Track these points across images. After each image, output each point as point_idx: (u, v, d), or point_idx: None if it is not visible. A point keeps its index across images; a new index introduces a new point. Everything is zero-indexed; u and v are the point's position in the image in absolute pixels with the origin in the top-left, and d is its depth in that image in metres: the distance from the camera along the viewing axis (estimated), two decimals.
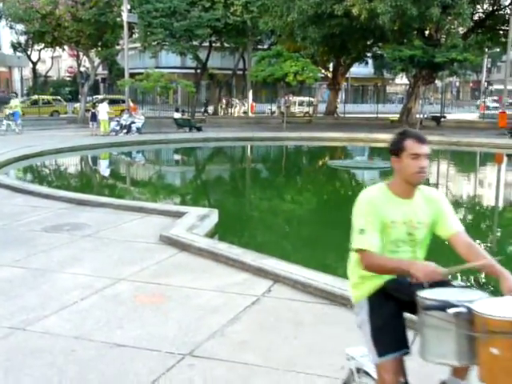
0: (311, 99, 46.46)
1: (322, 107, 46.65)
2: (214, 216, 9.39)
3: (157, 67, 41.67)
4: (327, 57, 40.74)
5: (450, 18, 30.41)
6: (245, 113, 44.93)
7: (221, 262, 7.00)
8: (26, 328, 5.08)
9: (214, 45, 40.43)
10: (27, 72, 65.28)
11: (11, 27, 42.09)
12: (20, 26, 40.22)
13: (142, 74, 33.86)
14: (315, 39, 32.63)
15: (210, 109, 44.38)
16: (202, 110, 43.62)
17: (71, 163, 22.13)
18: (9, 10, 35.53)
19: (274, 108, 46.66)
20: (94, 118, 28.99)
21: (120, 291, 6.03)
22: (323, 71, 40.91)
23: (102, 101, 31.55)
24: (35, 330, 5.05)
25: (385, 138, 27.58)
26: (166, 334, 4.98)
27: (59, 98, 47.28)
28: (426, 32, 33.28)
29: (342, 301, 5.53)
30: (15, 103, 29.25)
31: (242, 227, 11.46)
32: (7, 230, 8.70)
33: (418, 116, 35.33)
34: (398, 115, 37.09)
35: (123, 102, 35.40)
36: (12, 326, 5.11)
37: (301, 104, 45.88)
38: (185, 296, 5.92)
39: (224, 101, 45.46)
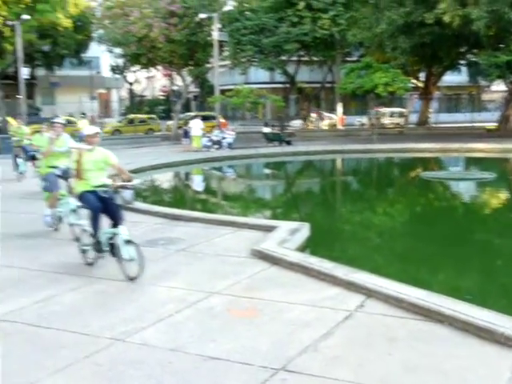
0: (402, 110, 45.58)
1: (413, 118, 45.64)
2: (304, 230, 9.39)
3: (246, 83, 42.41)
4: (418, 66, 39.93)
5: None
6: (334, 125, 44.73)
7: (312, 276, 6.99)
8: (126, 339, 5.29)
9: (302, 59, 40.67)
10: (124, 92, 68.34)
11: (110, 51, 44.24)
12: (118, 50, 42.17)
13: (231, 90, 34.58)
14: (405, 49, 32.09)
15: (297, 123, 44.51)
16: (289, 123, 43.84)
17: (165, 179, 22.85)
18: (108, 36, 37.47)
19: (364, 120, 46.15)
20: (186, 134, 29.80)
21: (213, 305, 6.15)
22: (414, 81, 40.08)
23: (194, 117, 32.37)
24: (134, 341, 5.25)
25: (481, 147, 26.64)
26: (259, 348, 5.03)
27: (153, 116, 49.11)
28: None
29: (438, 317, 5.37)
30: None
31: (333, 241, 11.37)
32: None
33: None
34: (496, 124, 35.64)
35: (214, 118, 36.26)
36: (113, 337, 5.34)
37: (391, 115, 45.12)
38: (277, 310, 5.95)
39: (313, 114, 45.49)
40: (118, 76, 58.46)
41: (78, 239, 8.01)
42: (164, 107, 61.92)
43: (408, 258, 9.81)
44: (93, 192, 7.35)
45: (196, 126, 29.54)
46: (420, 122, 42.83)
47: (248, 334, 5.38)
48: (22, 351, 5.11)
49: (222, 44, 36.12)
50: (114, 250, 7.28)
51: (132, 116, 46.79)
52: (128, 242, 7.01)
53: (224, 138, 29.34)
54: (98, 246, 7.43)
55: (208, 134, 30.64)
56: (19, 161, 17.14)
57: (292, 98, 49.47)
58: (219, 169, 25.00)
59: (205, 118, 44.07)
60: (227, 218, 10.89)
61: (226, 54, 39.34)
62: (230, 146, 29.10)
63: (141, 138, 39.82)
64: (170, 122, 44.41)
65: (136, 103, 63.72)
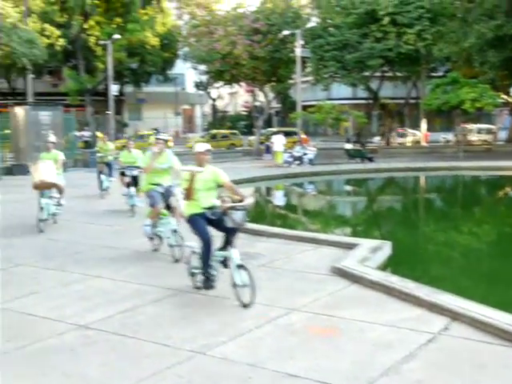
0: (490, 126, 44.01)
1: (502, 135, 43.94)
2: (386, 248, 9.22)
3: (328, 99, 42.29)
4: (508, 81, 38.44)
5: None
6: (417, 142, 43.77)
7: (393, 296, 6.83)
8: (207, 353, 5.35)
9: (385, 74, 40.12)
10: (207, 108, 69.83)
11: (195, 68, 45.42)
12: (202, 67, 43.22)
13: (313, 106, 34.60)
14: (495, 63, 31.04)
15: (378, 139, 43.93)
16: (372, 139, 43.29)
17: (247, 194, 23.07)
18: (193, 53, 38.52)
19: (449, 137, 44.87)
20: (268, 150, 30.00)
21: (293, 321, 6.12)
22: (504, 96, 38.63)
23: (276, 133, 32.63)
24: (214, 355, 5.30)
25: None
26: (339, 368, 4.96)
27: (235, 131, 49.85)
28: None
29: None
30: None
31: (416, 260, 11.08)
32: None
33: None
34: None
35: (295, 134, 36.35)
36: (193, 349, 5.42)
37: (479, 132, 43.63)
38: (357, 329, 5.85)
39: (396, 131, 44.74)
40: (201, 92, 59.90)
41: (187, 262, 7.53)
42: (246, 123, 62.77)
43: (493, 280, 9.42)
44: (202, 214, 6.97)
45: (278, 142, 29.71)
46: (510, 139, 41.17)
47: (327, 352, 5.32)
48: (107, 359, 5.27)
49: (304, 60, 36.22)
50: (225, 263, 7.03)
51: (214, 131, 47.69)
52: (240, 266, 6.68)
53: (305, 154, 29.34)
54: (208, 274, 7.04)
55: (289, 149, 30.74)
56: (103, 177, 16.86)
57: (374, 114, 48.88)
58: (300, 185, 24.99)
59: (286, 134, 44.41)
60: (308, 235, 10.84)
61: (308, 70, 39.43)
62: (311, 162, 29.06)
63: (223, 152, 40.41)
64: (251, 138, 44.93)
65: (218, 119, 64.92)
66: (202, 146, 7.17)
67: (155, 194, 9.25)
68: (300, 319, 6.18)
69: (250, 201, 7.19)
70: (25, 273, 8.41)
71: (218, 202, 7.08)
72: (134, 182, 13.51)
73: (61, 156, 12.61)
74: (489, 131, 43.08)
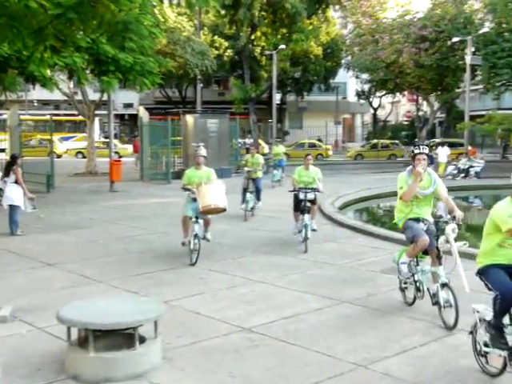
0: None
1: None
2: None
3: (498, 108, 39.88)
4: None
5: None
6: None
7: None
8: (368, 366, 5.24)
9: None
10: (368, 117, 69.08)
11: (357, 77, 45.21)
12: (365, 76, 42.89)
13: (481, 116, 32.82)
14: None
15: None
16: None
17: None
18: (357, 62, 38.36)
19: None
20: (432, 161, 28.90)
21: (460, 343, 5.77)
22: None
23: (442, 144, 31.42)
24: (376, 369, 5.18)
25: None
26: None
27: (396, 141, 48.74)
28: None
29: None
30: (279, 150, 24.76)
31: None
32: (350, 269, 9.20)
33: None
34: None
35: (461, 145, 34.69)
36: (355, 362, 5.34)
37: None
38: None
39: None
40: (362, 101, 59.41)
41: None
42: (407, 133, 61.15)
43: None
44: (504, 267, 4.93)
45: (443, 153, 28.63)
46: None
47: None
48: (270, 363, 5.36)
49: (474, 68, 34.54)
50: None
51: (375, 141, 47.02)
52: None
53: (472, 167, 27.85)
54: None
55: (455, 161, 29.40)
56: (248, 196, 14.38)
57: None
58: (465, 198, 23.77)
59: (451, 145, 42.61)
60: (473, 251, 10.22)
61: (478, 78, 37.52)
62: (477, 175, 27.51)
63: (383, 163, 39.73)
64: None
65: (379, 128, 63.94)
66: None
67: (415, 226, 6.63)
68: (469, 340, 5.81)
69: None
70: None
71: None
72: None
73: (213, 175, 9.73)
74: None
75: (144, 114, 26.69)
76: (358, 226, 13.32)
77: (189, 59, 29.66)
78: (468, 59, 31.54)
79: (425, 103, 42.55)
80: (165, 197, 18.82)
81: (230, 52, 38.36)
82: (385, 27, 36.80)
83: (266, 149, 44.74)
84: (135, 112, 39.71)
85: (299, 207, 10.71)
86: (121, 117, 56.32)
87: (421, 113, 54.68)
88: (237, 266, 9.31)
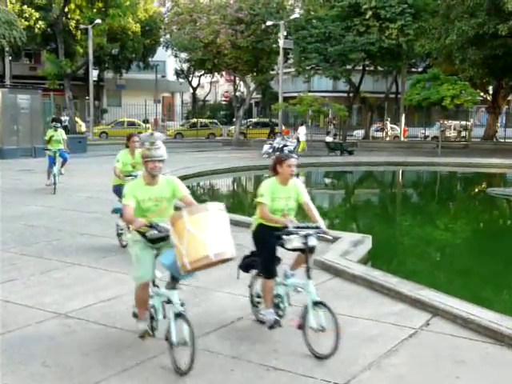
0: (467, 123, 44.41)
1: (479, 131, 44.39)
2: (367, 242, 9.25)
3: (309, 91, 42.32)
4: (487, 79, 38.80)
5: None
6: (396, 137, 44.06)
7: (375, 291, 6.86)
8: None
9: (367, 68, 40.21)
10: (187, 97, 69.37)
11: (176, 56, 45.02)
12: (184, 55, 42.86)
13: (294, 97, 34.53)
14: (475, 61, 31.29)
15: (359, 132, 44.15)
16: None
17: (225, 184, 23.01)
18: (175, 41, 38.15)
19: (428, 132, 45.23)
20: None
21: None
22: (482, 94, 39.00)
23: (301, 123, 33.65)
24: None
25: None
26: (321, 362, 4.95)
27: (216, 121, 49.67)
28: None
29: (510, 342, 5.16)
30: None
31: (395, 255, 11.17)
32: None
33: None
34: None
35: (275, 125, 36.31)
36: None
37: (456, 128, 44.03)
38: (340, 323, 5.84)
39: (377, 124, 44.98)
40: (182, 80, 59.47)
41: None
42: (226, 112, 62.51)
43: (472, 275, 9.54)
44: None
45: (302, 132, 31.67)
46: (486, 137, 41.61)
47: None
48: (87, 349, 5.19)
49: (287, 51, 36.16)
50: None
51: (194, 120, 47.45)
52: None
53: (285, 146, 29.30)
54: None
55: (270, 141, 30.73)
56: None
57: (355, 107, 49.03)
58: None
59: (266, 125, 44.47)
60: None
61: (290, 61, 39.37)
62: (291, 153, 29.08)
63: (202, 142, 40.32)
64: (231, 128, 44.81)
65: (198, 108, 64.53)
66: None
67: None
68: (289, 311, 6.12)
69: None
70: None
71: None
72: None
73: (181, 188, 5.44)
74: (465, 128, 43.49)
75: None
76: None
77: None
78: (281, 43, 32.95)
79: (242, 84, 43.64)
80: None
81: (41, 24, 35.96)
82: (202, 7, 36.99)
83: (83, 127, 43.12)
84: None
85: None
86: None
87: (238, 93, 56.04)
88: (52, 249, 8.86)
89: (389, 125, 46.22)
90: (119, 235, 8.97)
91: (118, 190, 8.51)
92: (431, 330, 5.70)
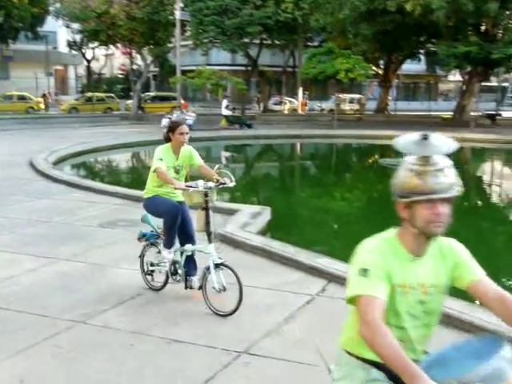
0: (361, 96, 45.97)
1: (371, 105, 46.11)
2: (266, 213, 9.42)
3: (208, 64, 42.02)
4: (379, 54, 40.28)
5: (507, 12, 29.62)
6: (294, 110, 44.86)
7: (274, 261, 7.02)
8: (87, 321, 5.21)
9: (264, 42, 40.50)
10: (81, 70, 66.88)
11: (67, 26, 43.17)
12: (76, 25, 41.18)
13: (193, 71, 34.23)
14: (367, 36, 32.33)
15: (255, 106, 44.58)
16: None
17: (123, 159, 22.54)
18: (66, 10, 36.52)
19: (324, 105, 46.39)
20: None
21: (176, 288, 6.07)
22: (374, 68, 40.44)
23: (225, 97, 33.37)
24: (95, 323, 5.18)
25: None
26: (222, 332, 5.03)
27: (112, 95, 48.25)
28: (482, 27, 32.45)
29: None
30: None
31: (294, 225, 11.44)
32: (65, 225, 8.94)
33: (472, 114, 34.55)
34: (451, 113, 36.36)
35: (174, 99, 35.82)
36: (73, 318, 5.26)
37: (351, 101, 45.47)
38: None
39: (276, 98, 45.52)
40: (75, 52, 57.17)
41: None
42: (123, 86, 60.91)
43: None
44: None
45: (224, 106, 31.79)
46: (379, 109, 43.33)
47: (211, 317, 5.37)
48: None
49: (184, 24, 35.65)
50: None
51: (90, 94, 45.85)
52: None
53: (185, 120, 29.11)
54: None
55: (168, 114, 30.29)
56: None
57: (253, 81, 49.32)
58: None
59: (165, 99, 43.75)
60: None
61: (188, 34, 38.88)
62: (190, 127, 28.77)
63: (99, 116, 39.11)
64: (129, 102, 43.76)
65: (94, 81, 62.46)
66: None
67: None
68: (182, 286, 6.16)
69: None
70: None
71: None
72: None
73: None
74: (359, 101, 44.99)
75: None
76: (74, 180, 13.01)
77: None
78: (177, 14, 32.38)
79: (138, 56, 42.60)
80: None
81: None
82: None
83: None
84: None
85: None
86: None
87: (135, 66, 54.71)
88: None
89: (286, 98, 46.95)
90: (149, 274, 6.11)
91: (150, 205, 5.74)
92: (327, 296, 5.94)
